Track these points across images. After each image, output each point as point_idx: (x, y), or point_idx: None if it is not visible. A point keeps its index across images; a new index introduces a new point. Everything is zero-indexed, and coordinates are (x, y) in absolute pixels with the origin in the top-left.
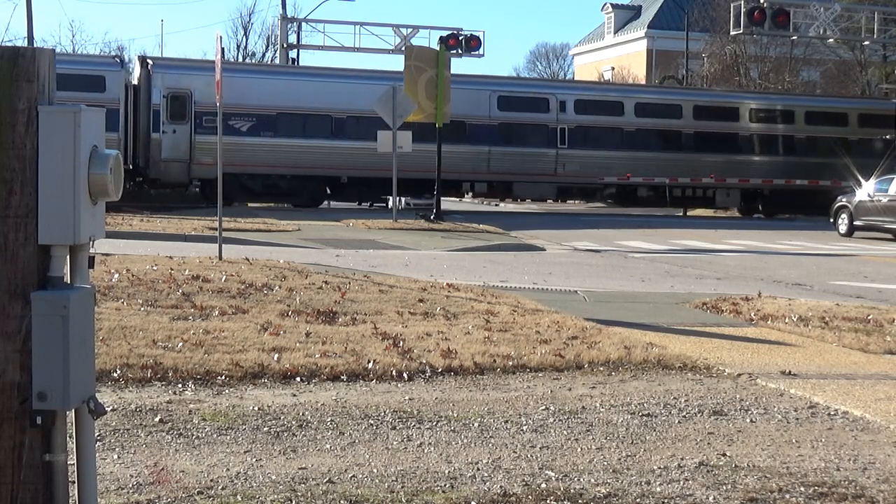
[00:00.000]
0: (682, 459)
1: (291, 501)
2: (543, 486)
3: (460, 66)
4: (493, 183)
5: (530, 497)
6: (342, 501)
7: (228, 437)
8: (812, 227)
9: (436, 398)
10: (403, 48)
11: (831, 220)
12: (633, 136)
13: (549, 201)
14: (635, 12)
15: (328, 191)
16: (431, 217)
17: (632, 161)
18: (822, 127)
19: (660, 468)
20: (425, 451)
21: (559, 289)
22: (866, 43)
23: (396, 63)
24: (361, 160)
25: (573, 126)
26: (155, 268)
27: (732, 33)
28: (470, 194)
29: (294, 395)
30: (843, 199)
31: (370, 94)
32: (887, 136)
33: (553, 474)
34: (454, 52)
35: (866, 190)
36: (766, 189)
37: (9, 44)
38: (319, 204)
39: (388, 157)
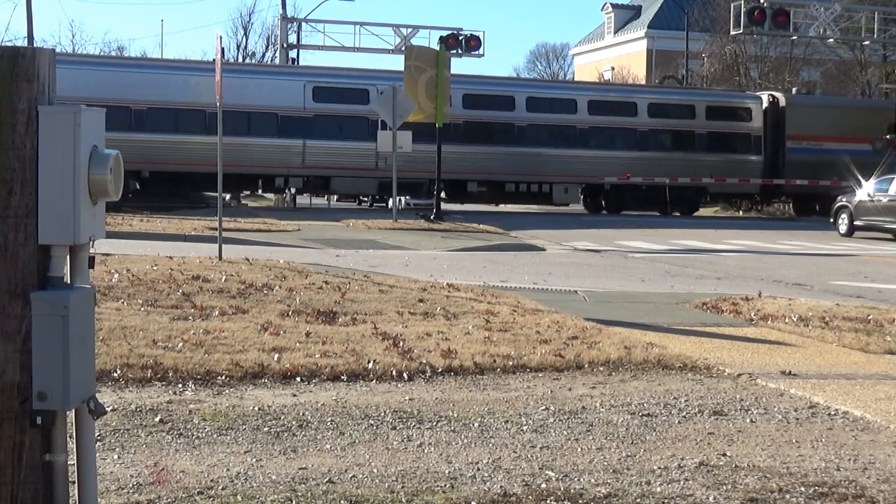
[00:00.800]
0: (682, 459)
1: (291, 501)
2: (543, 486)
3: (459, 66)
4: (310, 178)
5: (530, 497)
6: (342, 501)
7: (228, 437)
8: (812, 227)
9: (436, 398)
10: (403, 48)
11: (832, 219)
12: (463, 129)
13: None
14: (635, 12)
15: (137, 186)
16: (431, 217)
17: (461, 156)
18: (669, 120)
19: (660, 468)
20: (425, 451)
21: (559, 289)
22: (866, 43)
23: (397, 63)
24: (164, 154)
25: None
26: (155, 268)
27: (732, 33)
28: (293, 189)
29: (294, 395)
30: (844, 199)
31: (171, 84)
32: (888, 136)
33: (553, 474)
34: (454, 52)
35: (866, 190)
36: (608, 185)
37: (9, 44)
38: (124, 201)
39: (189, 152)
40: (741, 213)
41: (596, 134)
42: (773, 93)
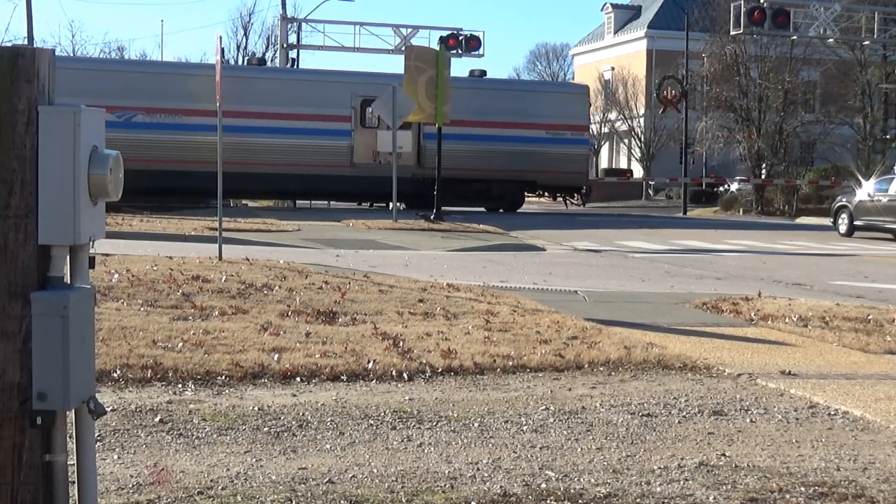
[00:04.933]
0: (682, 459)
1: (291, 501)
2: (543, 486)
3: (460, 66)
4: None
5: (530, 497)
6: (342, 501)
7: (228, 438)
8: (811, 228)
9: (436, 398)
10: (403, 48)
11: (831, 220)
12: None
13: None
14: (635, 12)
15: None
16: (431, 217)
17: None
18: None
19: (660, 468)
20: (425, 451)
21: (559, 289)
22: (866, 43)
23: (397, 63)
24: None
25: None
26: (155, 268)
27: (732, 33)
28: None
29: (294, 396)
30: (844, 199)
31: None
32: (887, 136)
33: (553, 474)
34: (454, 52)
35: (866, 190)
36: None
37: (9, 44)
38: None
39: None
40: None
41: None
42: None
